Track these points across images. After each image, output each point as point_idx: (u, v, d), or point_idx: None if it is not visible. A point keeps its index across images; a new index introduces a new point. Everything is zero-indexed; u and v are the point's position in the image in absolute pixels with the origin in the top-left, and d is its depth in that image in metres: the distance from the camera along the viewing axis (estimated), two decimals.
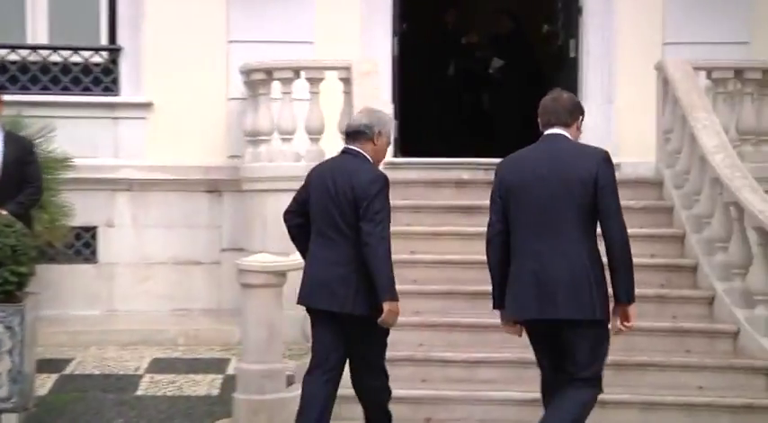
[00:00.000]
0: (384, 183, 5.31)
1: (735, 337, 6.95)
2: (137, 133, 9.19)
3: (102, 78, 9.27)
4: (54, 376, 7.24)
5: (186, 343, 8.31)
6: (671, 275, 7.58)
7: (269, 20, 9.28)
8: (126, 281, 9.09)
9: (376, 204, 5.22)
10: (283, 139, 8.47)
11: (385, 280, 5.19)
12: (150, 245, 9.11)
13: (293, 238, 5.59)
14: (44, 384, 7.02)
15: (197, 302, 9.10)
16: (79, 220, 8.73)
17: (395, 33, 9.53)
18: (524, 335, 5.16)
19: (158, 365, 7.61)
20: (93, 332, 8.40)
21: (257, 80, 8.53)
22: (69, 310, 8.89)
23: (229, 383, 6.86)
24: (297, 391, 5.63)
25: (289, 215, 5.61)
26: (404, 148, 9.60)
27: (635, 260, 4.98)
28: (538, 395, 5.24)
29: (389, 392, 5.54)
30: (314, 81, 8.38)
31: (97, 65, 9.27)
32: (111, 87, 9.29)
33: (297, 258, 6.02)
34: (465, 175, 8.56)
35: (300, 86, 8.49)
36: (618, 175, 5.18)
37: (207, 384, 7.15)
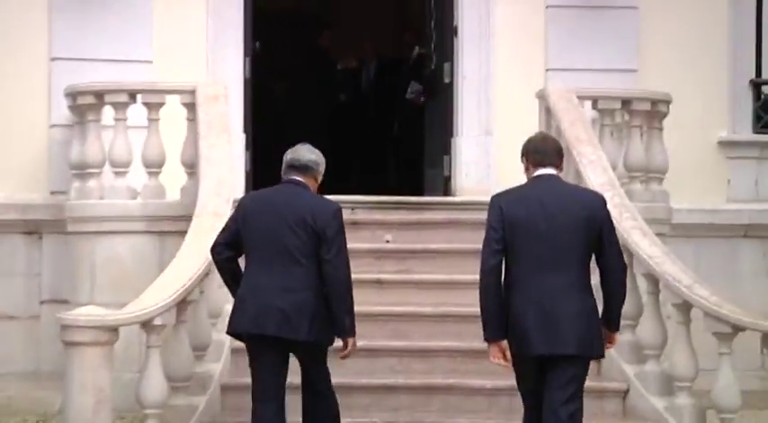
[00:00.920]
0: (341, 215, 6.05)
1: (624, 395, 7.14)
2: None
3: None
4: None
5: None
6: None
7: (100, 34, 9.19)
8: None
9: (339, 236, 5.96)
10: (116, 173, 8.37)
11: (351, 316, 5.97)
12: None
13: (224, 271, 6.14)
14: None
15: (10, 364, 8.87)
16: None
17: (246, 53, 9.56)
18: None
19: None
20: None
21: (86, 104, 8.43)
22: None
23: None
24: None
25: (219, 248, 6.10)
26: (257, 183, 9.55)
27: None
28: None
29: (338, 416, 6.12)
30: (153, 106, 8.31)
31: None
32: None
33: (132, 311, 5.94)
34: (359, 215, 8.62)
35: (137, 112, 8.41)
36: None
37: None
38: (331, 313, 5.94)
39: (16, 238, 8.99)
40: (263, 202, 6.07)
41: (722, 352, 6.68)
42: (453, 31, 9.87)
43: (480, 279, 5.71)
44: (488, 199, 5.78)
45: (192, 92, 8.25)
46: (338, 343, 6.06)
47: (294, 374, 6.10)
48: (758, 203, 9.89)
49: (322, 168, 6.19)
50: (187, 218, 7.39)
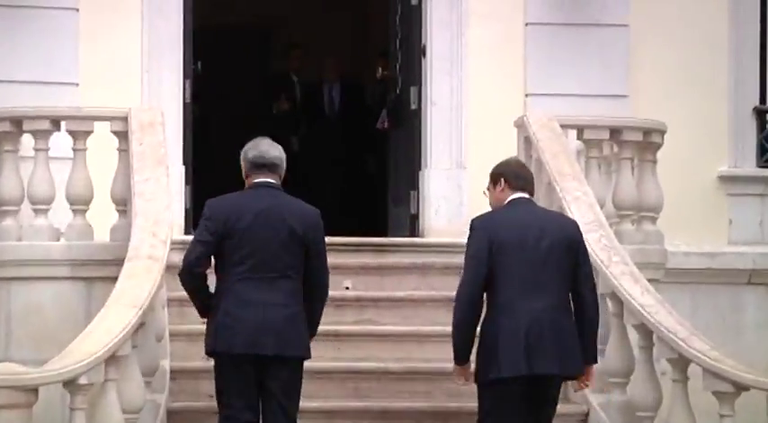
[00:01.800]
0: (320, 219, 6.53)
1: None
2: None
3: None
4: None
5: None
6: None
7: (19, 52, 9.19)
8: None
9: (323, 243, 6.51)
10: (37, 211, 8.34)
11: (320, 317, 6.55)
12: None
13: (198, 290, 6.47)
14: None
15: None
16: None
17: (186, 75, 9.58)
18: None
19: None
20: None
21: (1, 132, 8.39)
22: None
23: None
24: None
25: (201, 261, 6.41)
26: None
27: None
28: None
29: None
30: (78, 135, 8.31)
31: None
32: None
33: (54, 369, 5.90)
34: None
35: (60, 141, 8.41)
36: None
37: None
38: (308, 315, 6.45)
39: None
40: (248, 213, 6.37)
41: (724, 414, 6.71)
42: (421, 52, 9.94)
43: (461, 308, 6.33)
44: (461, 240, 5.96)
45: (125, 118, 8.25)
46: None
47: None
48: (763, 246, 9.97)
49: (285, 164, 6.55)
50: (118, 262, 7.36)
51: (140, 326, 6.79)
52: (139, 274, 7.01)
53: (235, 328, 6.31)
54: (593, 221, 7.82)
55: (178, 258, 8.03)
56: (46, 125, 8.30)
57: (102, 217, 8.26)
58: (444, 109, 9.86)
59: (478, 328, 6.37)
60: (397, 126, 10.37)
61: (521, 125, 8.78)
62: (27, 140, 8.45)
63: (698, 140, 9.87)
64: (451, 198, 9.72)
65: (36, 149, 8.35)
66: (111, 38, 9.41)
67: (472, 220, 6.47)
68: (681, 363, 6.91)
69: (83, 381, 6.29)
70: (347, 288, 8.46)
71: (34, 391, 5.99)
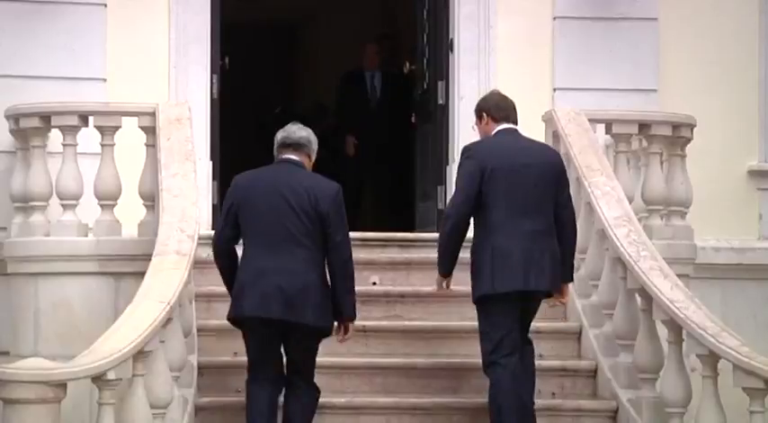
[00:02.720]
0: (341, 195, 6.85)
1: None
2: None
3: None
4: None
5: None
6: (564, 381, 7.77)
7: (46, 47, 9.22)
8: None
9: (342, 217, 6.80)
10: (65, 206, 8.38)
11: (353, 298, 6.86)
12: None
13: (226, 261, 6.93)
14: None
15: None
16: None
17: (214, 70, 9.60)
18: None
19: None
20: None
21: (30, 128, 8.44)
22: None
23: None
24: None
25: (226, 234, 6.88)
26: None
27: None
28: None
29: (318, 399, 6.96)
30: (106, 130, 8.34)
31: None
32: None
33: (82, 364, 5.91)
34: None
35: (89, 137, 8.43)
36: None
37: None
38: (334, 296, 6.76)
39: None
40: (262, 184, 6.81)
41: (754, 410, 6.68)
42: (449, 46, 9.92)
43: (453, 224, 7.00)
44: None
45: (152, 114, 8.27)
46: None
47: None
48: None
49: (315, 146, 6.98)
50: (145, 257, 7.38)
51: (168, 321, 6.81)
52: (167, 270, 7.03)
53: (245, 295, 6.71)
54: (622, 216, 7.79)
55: (206, 254, 8.08)
56: (74, 121, 8.33)
57: (130, 212, 8.29)
58: (472, 104, 9.72)
59: (470, 251, 7.03)
60: (425, 121, 10.36)
61: (549, 119, 8.76)
62: (55, 136, 8.49)
63: (728, 135, 9.83)
64: None
65: (64, 145, 8.38)
66: (138, 33, 9.43)
67: (463, 148, 7.12)
68: (711, 359, 6.87)
69: (111, 376, 6.31)
70: (374, 283, 8.47)
71: (63, 386, 6.01)
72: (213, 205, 9.47)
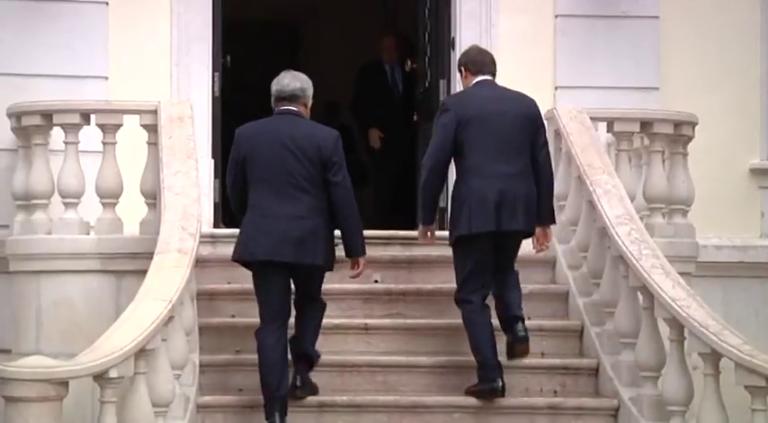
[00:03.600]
0: (340, 140, 7.25)
1: None
2: None
3: None
4: None
5: None
6: (566, 379, 7.78)
7: (47, 45, 9.22)
8: None
9: (343, 160, 7.17)
10: (67, 204, 8.38)
11: (362, 236, 7.28)
12: None
13: (240, 203, 7.29)
14: None
15: None
16: None
17: (215, 68, 9.60)
18: None
19: None
20: None
21: (32, 126, 8.44)
22: None
23: None
24: None
25: (239, 185, 7.24)
26: (227, 219, 9.58)
27: None
28: None
29: (324, 307, 7.42)
30: (108, 128, 8.34)
31: None
32: None
33: (84, 362, 5.91)
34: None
35: (90, 135, 8.44)
36: None
37: None
38: (343, 236, 7.21)
39: None
40: (265, 135, 7.18)
41: (756, 408, 6.68)
42: (450, 45, 9.91)
43: (429, 169, 7.39)
44: None
45: (154, 112, 8.28)
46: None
47: None
48: None
49: (310, 93, 7.34)
50: (147, 255, 7.38)
51: (170, 319, 6.81)
52: (169, 268, 7.03)
53: (256, 238, 7.09)
54: (624, 214, 7.79)
55: (207, 252, 8.10)
56: (76, 119, 8.34)
57: (132, 210, 8.30)
58: None
59: (450, 194, 7.51)
60: (427, 119, 10.34)
61: (550, 118, 8.75)
62: (57, 134, 8.50)
63: (729, 133, 9.83)
64: None
65: (66, 143, 8.38)
66: (140, 31, 9.43)
67: (442, 101, 7.64)
68: (713, 357, 6.87)
69: (112, 374, 6.31)
70: (376, 281, 8.47)
71: (65, 384, 6.02)
72: (215, 203, 9.47)
